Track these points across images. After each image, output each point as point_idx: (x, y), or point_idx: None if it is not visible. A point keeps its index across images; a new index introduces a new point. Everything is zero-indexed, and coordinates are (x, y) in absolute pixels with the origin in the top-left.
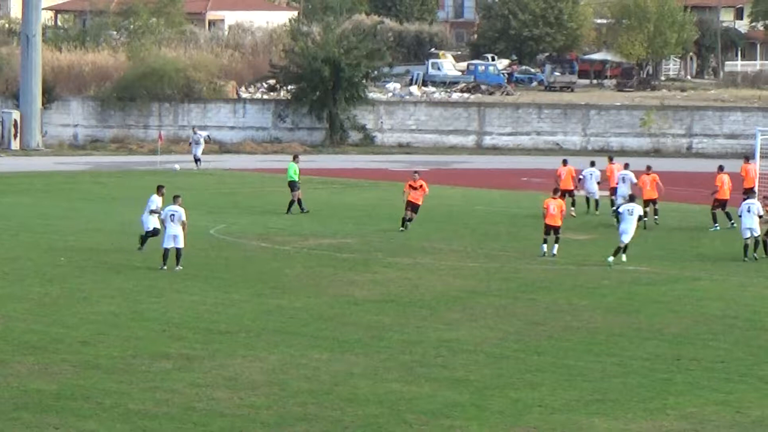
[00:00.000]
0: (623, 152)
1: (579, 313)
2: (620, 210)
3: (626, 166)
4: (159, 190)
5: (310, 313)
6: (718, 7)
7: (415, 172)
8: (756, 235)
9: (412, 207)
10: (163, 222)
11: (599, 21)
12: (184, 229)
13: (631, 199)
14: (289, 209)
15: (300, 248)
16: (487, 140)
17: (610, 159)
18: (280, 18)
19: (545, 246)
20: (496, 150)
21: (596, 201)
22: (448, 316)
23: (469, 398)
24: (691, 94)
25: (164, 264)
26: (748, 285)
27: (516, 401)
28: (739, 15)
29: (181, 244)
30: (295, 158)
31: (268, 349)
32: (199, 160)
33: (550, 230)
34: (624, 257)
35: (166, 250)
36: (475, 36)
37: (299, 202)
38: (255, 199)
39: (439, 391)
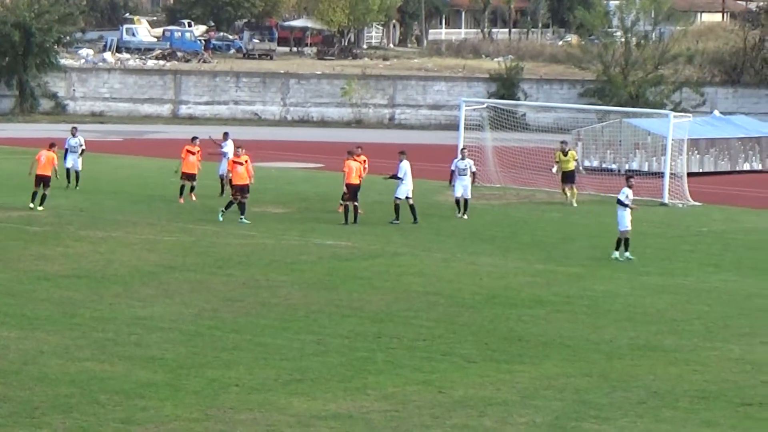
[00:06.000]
0: (324, 123)
1: (277, 289)
2: None
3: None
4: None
5: None
6: None
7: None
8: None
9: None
10: None
11: None
12: None
13: None
14: None
15: None
16: (183, 109)
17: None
18: None
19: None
20: (192, 120)
21: None
22: (143, 292)
23: (163, 378)
24: (394, 63)
25: None
26: (451, 260)
27: (212, 381)
28: None
29: None
30: None
31: None
32: None
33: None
34: None
35: None
36: (172, 1)
37: None
38: None
39: (133, 370)
